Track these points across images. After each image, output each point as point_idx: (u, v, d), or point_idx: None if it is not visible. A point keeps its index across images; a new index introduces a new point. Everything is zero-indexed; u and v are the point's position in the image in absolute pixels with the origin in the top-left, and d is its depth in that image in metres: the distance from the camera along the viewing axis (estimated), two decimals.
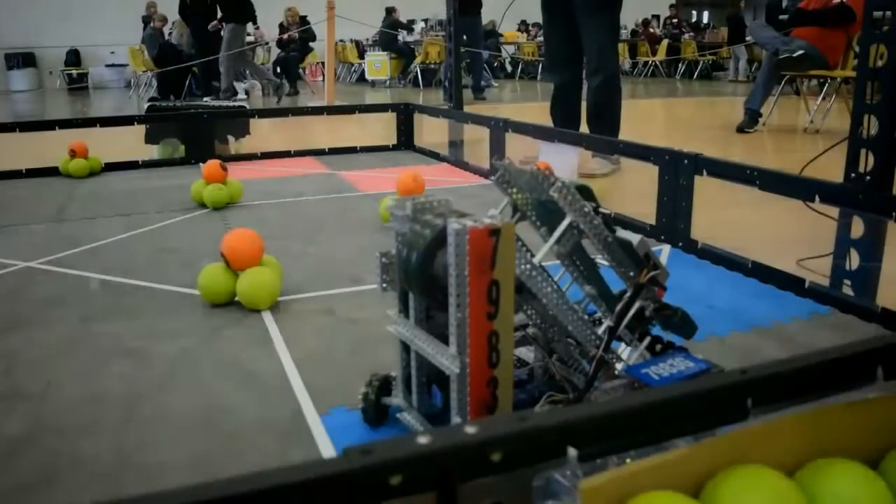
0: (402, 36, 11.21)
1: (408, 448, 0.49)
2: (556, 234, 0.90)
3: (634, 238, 0.92)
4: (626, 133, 3.30)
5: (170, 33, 9.28)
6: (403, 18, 12.00)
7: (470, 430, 0.51)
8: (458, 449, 0.50)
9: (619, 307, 0.94)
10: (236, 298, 1.56)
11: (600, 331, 0.95)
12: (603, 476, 0.53)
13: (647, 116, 6.35)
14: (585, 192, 0.92)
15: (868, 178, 1.50)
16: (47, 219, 2.43)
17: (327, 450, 1.01)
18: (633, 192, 2.85)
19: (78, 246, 2.08)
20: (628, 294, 0.94)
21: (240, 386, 1.21)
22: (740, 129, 4.71)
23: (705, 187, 1.90)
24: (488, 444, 0.51)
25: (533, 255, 0.90)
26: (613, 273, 0.99)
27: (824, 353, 0.68)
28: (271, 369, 1.27)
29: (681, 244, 1.94)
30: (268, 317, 1.52)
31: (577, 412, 0.56)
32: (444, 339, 0.88)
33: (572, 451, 0.56)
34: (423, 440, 0.50)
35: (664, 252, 1.94)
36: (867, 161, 1.51)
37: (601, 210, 0.92)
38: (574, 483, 0.59)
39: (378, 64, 10.97)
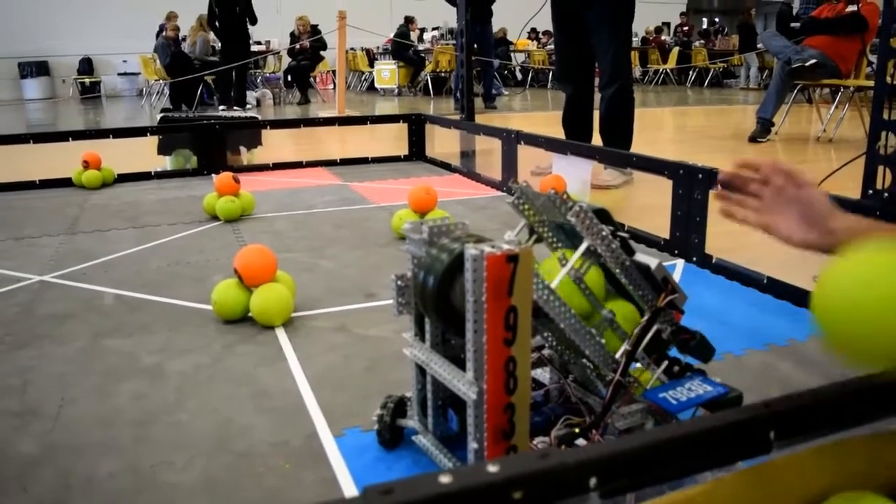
0: (415, 45, 11.23)
1: (429, 488, 0.49)
2: (573, 258, 0.89)
3: (652, 262, 0.91)
4: (638, 142, 3.30)
5: (182, 41, 9.33)
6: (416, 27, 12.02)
7: (491, 469, 0.51)
8: (480, 488, 0.50)
9: (636, 330, 0.93)
10: (249, 314, 1.56)
11: (618, 354, 0.94)
12: None
13: (658, 125, 6.33)
14: (603, 216, 0.92)
15: (886, 194, 1.49)
16: (61, 231, 2.44)
17: (342, 473, 1.00)
18: (646, 204, 2.84)
19: (91, 259, 2.09)
20: (646, 318, 0.93)
21: (253, 405, 1.21)
22: (752, 139, 4.69)
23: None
24: (510, 482, 0.51)
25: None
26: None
27: (847, 385, 0.67)
28: (285, 388, 1.27)
29: (695, 259, 1.93)
30: (281, 333, 1.51)
31: (599, 449, 0.55)
32: (461, 363, 0.88)
33: (593, 483, 0.55)
34: (444, 480, 0.49)
35: (678, 267, 1.93)
36: (885, 178, 1.50)
37: (619, 233, 0.92)
38: None
39: (387, 73, 10.99)
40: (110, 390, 1.27)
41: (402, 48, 10.72)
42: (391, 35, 10.69)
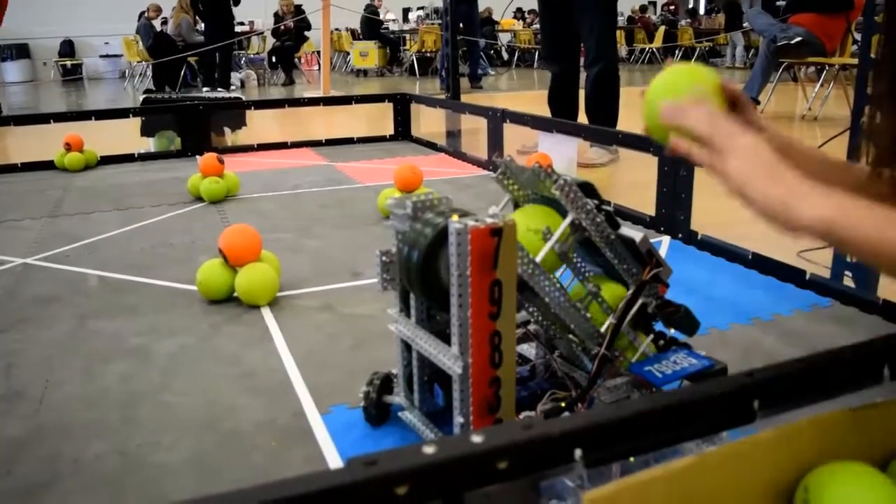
0: (394, 24, 11.12)
1: (413, 459, 0.49)
2: (558, 232, 0.89)
3: (637, 235, 0.91)
4: (624, 122, 3.29)
5: (163, 23, 9.22)
6: (400, 6, 11.93)
7: (476, 439, 0.51)
8: (464, 459, 0.50)
9: (621, 304, 0.93)
10: (235, 294, 1.56)
11: (603, 328, 0.94)
12: (608, 487, 0.53)
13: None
14: (588, 189, 0.91)
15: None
16: (43, 214, 2.41)
17: (329, 450, 1.00)
18: (632, 182, 2.84)
19: (75, 241, 2.07)
20: (631, 291, 0.93)
21: (240, 384, 1.21)
22: None
23: (705, 175, 1.89)
24: (494, 453, 0.51)
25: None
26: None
27: (830, 354, 0.67)
28: (271, 367, 1.27)
29: (680, 236, 1.93)
30: (267, 313, 1.51)
31: (582, 418, 0.55)
32: (446, 338, 0.88)
33: (578, 453, 0.55)
34: (428, 450, 0.49)
35: (664, 243, 1.93)
36: (869, 153, 1.50)
37: (604, 207, 0.91)
38: (579, 484, 0.59)
39: (365, 53, 10.88)
40: (96, 372, 1.27)
41: (373, 26, 10.58)
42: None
